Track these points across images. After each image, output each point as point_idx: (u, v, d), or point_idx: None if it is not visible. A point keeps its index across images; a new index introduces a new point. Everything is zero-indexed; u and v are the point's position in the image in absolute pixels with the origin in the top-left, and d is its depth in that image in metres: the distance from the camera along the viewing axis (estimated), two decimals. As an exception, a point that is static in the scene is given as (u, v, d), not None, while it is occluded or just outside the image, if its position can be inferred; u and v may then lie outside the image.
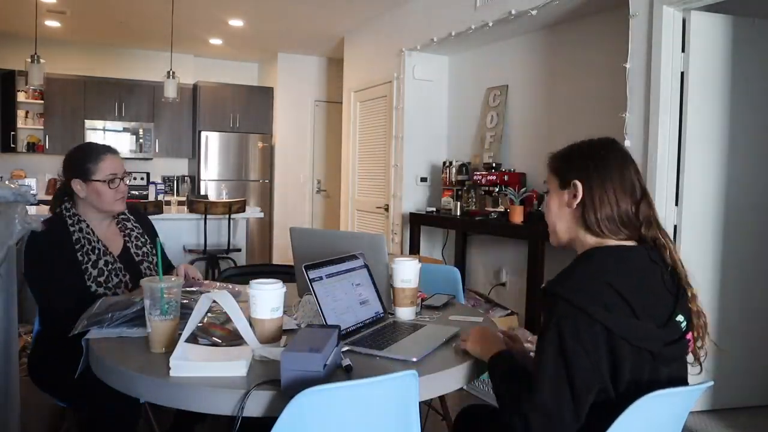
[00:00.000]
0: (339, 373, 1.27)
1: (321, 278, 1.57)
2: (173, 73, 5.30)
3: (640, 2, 2.96)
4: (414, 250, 4.93)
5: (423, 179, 5.25)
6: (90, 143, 2.08)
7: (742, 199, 2.95)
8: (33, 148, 6.73)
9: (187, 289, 1.73)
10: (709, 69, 2.86)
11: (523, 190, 4.00)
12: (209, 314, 1.55)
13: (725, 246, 2.94)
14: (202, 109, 7.22)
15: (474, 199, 4.42)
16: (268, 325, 1.40)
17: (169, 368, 1.24)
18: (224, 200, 5.28)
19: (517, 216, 3.81)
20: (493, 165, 4.32)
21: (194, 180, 7.33)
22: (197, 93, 7.22)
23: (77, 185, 1.95)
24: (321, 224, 7.70)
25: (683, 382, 1.25)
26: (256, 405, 1.15)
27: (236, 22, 6.03)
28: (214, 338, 1.45)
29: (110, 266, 1.95)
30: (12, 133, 6.59)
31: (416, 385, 1.17)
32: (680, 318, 1.21)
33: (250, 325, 1.39)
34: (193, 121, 7.31)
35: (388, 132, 5.39)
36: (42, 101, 6.65)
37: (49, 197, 6.18)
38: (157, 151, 7.17)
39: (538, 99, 4.27)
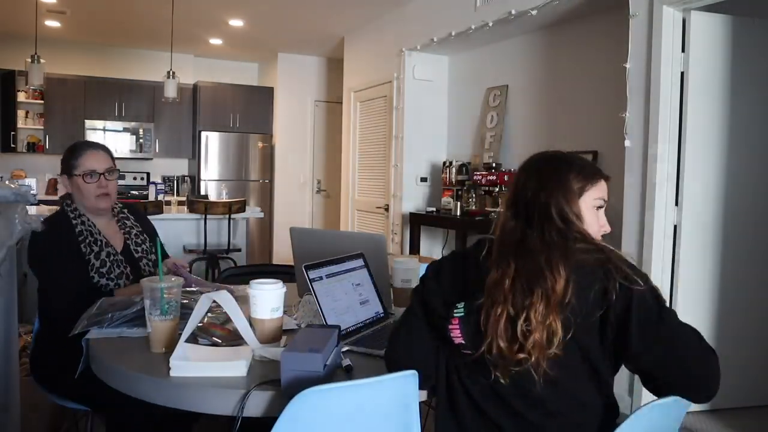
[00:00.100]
0: (339, 373, 1.27)
1: (321, 278, 1.57)
2: (173, 73, 5.30)
3: (640, 2, 2.96)
4: (414, 250, 4.93)
5: (423, 179, 5.25)
6: (82, 141, 2.11)
7: (742, 199, 2.95)
8: (33, 148, 6.73)
9: (187, 289, 1.73)
10: (709, 69, 2.86)
11: (523, 190, 4.00)
12: (209, 314, 1.55)
13: (725, 246, 2.94)
14: (202, 109, 7.22)
15: (474, 199, 4.42)
16: (268, 325, 1.40)
17: (169, 368, 1.24)
18: (224, 200, 5.28)
19: (517, 216, 3.80)
20: (493, 165, 4.32)
21: (194, 180, 7.33)
22: (197, 93, 7.22)
23: (64, 182, 2.01)
24: (321, 224, 7.70)
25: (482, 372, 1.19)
26: (256, 405, 1.15)
27: (236, 22, 6.03)
28: (214, 338, 1.45)
29: (112, 257, 1.96)
30: (12, 133, 6.59)
31: (416, 385, 1.17)
32: (459, 305, 1.20)
33: (250, 325, 1.39)
34: (193, 121, 7.31)
35: (388, 132, 5.39)
36: (42, 101, 6.65)
37: (49, 197, 6.21)
38: (157, 151, 7.16)
39: (538, 99, 4.26)
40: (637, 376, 1.22)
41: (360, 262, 1.75)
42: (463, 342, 1.18)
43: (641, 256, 2.91)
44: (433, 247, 5.22)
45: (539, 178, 1.23)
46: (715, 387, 1.13)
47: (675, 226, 2.88)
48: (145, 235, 2.15)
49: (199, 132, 7.17)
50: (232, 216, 4.90)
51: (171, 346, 1.36)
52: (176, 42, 5.83)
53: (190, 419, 1.84)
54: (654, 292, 1.13)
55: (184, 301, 1.54)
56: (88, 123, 6.76)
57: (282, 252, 7.31)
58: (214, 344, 1.43)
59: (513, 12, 3.84)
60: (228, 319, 1.46)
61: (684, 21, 2.83)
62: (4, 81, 6.61)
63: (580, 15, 3.83)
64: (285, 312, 1.46)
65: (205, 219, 4.75)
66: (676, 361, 1.11)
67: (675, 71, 2.85)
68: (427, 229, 5.08)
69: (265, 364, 1.31)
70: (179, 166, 7.60)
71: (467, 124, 4.96)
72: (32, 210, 4.34)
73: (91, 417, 1.83)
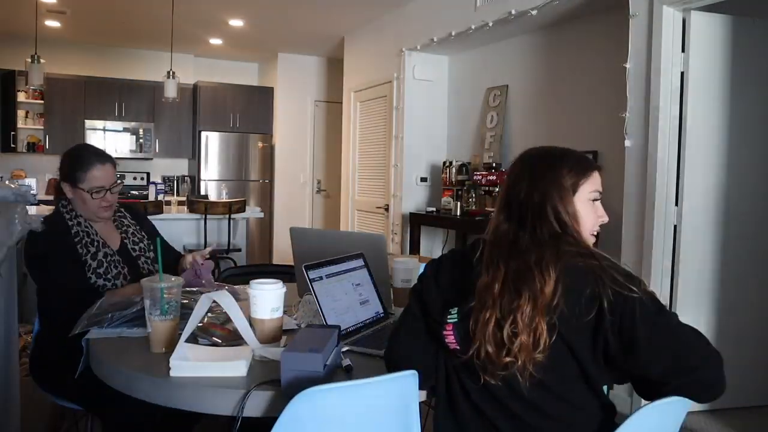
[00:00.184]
0: (339, 373, 1.27)
1: (321, 278, 1.57)
2: (173, 73, 5.30)
3: (640, 2, 2.96)
4: (414, 250, 4.93)
5: (423, 179, 5.25)
6: (86, 148, 2.06)
7: (742, 199, 2.95)
8: (33, 148, 6.73)
9: (187, 289, 1.73)
10: (709, 69, 2.86)
11: (523, 190, 4.00)
12: (209, 314, 1.55)
13: (725, 246, 2.94)
14: (202, 109, 7.22)
15: (474, 199, 4.42)
16: (268, 325, 1.40)
17: (169, 368, 1.24)
18: (224, 200, 5.28)
19: (517, 216, 3.80)
20: (493, 165, 4.32)
21: (194, 180, 7.33)
22: (197, 93, 7.22)
23: (66, 188, 1.99)
24: (321, 224, 7.70)
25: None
26: (256, 405, 1.15)
27: (236, 22, 6.03)
28: (214, 338, 1.45)
29: (109, 258, 1.96)
30: (12, 133, 6.59)
31: (416, 385, 1.17)
32: (453, 310, 1.18)
33: (250, 325, 1.39)
34: (193, 121, 7.31)
35: (388, 132, 5.39)
36: (42, 101, 6.65)
37: (49, 197, 6.20)
38: (157, 151, 7.16)
39: (538, 99, 4.26)
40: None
41: (360, 262, 1.75)
42: (458, 348, 1.17)
43: (641, 256, 2.91)
44: (433, 247, 5.22)
45: (531, 177, 1.21)
46: (722, 388, 1.12)
47: (675, 226, 2.88)
48: (143, 233, 2.15)
49: (199, 132, 7.17)
50: (232, 216, 4.91)
51: (171, 346, 1.36)
52: (176, 42, 5.83)
53: (191, 420, 1.84)
54: (652, 296, 1.11)
55: (184, 301, 1.54)
56: (88, 123, 6.76)
57: (282, 252, 7.31)
58: (214, 344, 1.43)
59: (513, 12, 3.84)
60: (228, 319, 1.46)
61: (684, 21, 2.83)
62: (4, 81, 6.61)
63: (580, 15, 3.83)
64: (285, 312, 1.46)
65: (205, 219, 4.75)
66: (685, 365, 1.10)
67: (675, 71, 2.85)
68: (427, 229, 5.08)
69: (265, 364, 1.31)
70: (179, 166, 7.60)
71: (467, 124, 4.97)
72: (32, 210, 4.35)
73: (91, 417, 1.83)
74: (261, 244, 7.43)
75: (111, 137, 6.85)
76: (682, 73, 2.84)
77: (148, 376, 1.26)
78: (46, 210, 4.29)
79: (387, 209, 5.42)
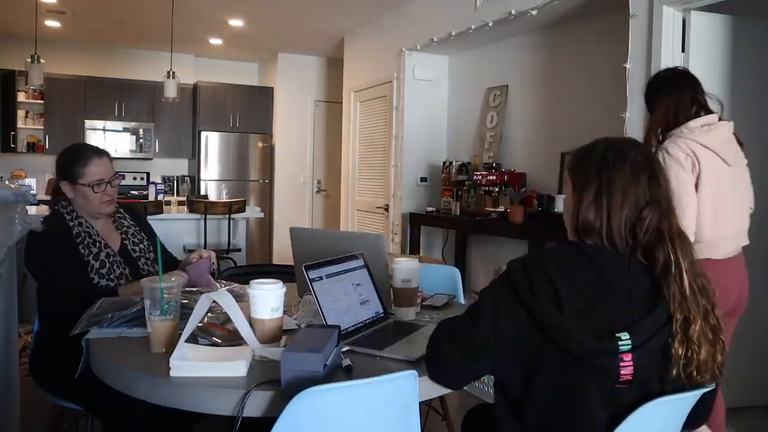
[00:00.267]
0: (339, 373, 1.27)
1: (321, 278, 1.57)
2: (173, 73, 5.30)
3: (640, 2, 2.96)
4: (414, 250, 4.93)
5: (423, 179, 5.25)
6: (81, 145, 2.09)
7: (742, 199, 2.95)
8: (33, 148, 6.73)
9: (187, 289, 1.73)
10: (709, 69, 2.85)
11: (523, 190, 4.00)
12: (209, 314, 1.55)
13: (725, 246, 2.93)
14: (202, 109, 7.22)
15: (474, 199, 4.42)
16: (268, 325, 1.40)
17: (169, 368, 1.24)
18: (224, 200, 5.28)
19: (517, 216, 3.81)
20: (493, 165, 4.32)
21: (194, 180, 7.33)
22: (197, 93, 7.22)
23: (65, 187, 1.99)
24: (321, 224, 7.70)
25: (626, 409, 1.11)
26: (256, 405, 1.15)
27: (236, 22, 6.03)
28: (214, 338, 1.45)
29: (111, 258, 1.96)
30: (12, 133, 6.59)
31: (416, 385, 1.17)
32: (624, 336, 1.09)
33: (250, 325, 1.39)
34: (193, 121, 7.31)
35: (388, 132, 5.39)
36: (42, 101, 6.65)
37: (49, 197, 6.21)
38: (157, 151, 7.17)
39: (538, 99, 4.26)
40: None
41: (360, 262, 1.75)
42: (631, 379, 1.08)
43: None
44: (433, 248, 5.22)
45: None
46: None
47: (675, 226, 2.88)
48: (143, 234, 2.15)
49: (199, 132, 7.17)
50: (232, 216, 4.91)
51: (171, 346, 1.36)
52: (176, 42, 5.83)
53: (191, 420, 1.84)
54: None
55: (184, 301, 1.54)
56: (88, 123, 6.76)
57: (282, 252, 7.31)
58: (214, 344, 1.43)
59: (513, 12, 3.85)
60: (228, 319, 1.46)
61: (684, 21, 2.83)
62: (4, 81, 6.62)
63: (580, 15, 3.83)
64: (285, 312, 1.46)
65: (205, 219, 4.75)
66: None
67: (675, 71, 2.85)
68: (427, 229, 5.08)
69: (265, 364, 1.31)
70: (179, 166, 7.60)
71: (467, 124, 4.97)
72: (32, 210, 4.35)
73: (91, 417, 1.83)
74: (261, 244, 7.43)
75: (111, 137, 6.85)
76: (682, 73, 2.84)
77: (148, 376, 1.26)
78: (46, 210, 4.28)
79: (387, 209, 5.42)
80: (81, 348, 1.50)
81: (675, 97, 2.24)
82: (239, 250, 5.06)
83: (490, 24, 4.08)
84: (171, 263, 2.11)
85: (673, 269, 1.15)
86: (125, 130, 6.96)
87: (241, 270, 2.92)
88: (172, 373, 1.24)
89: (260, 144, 7.42)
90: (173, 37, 5.62)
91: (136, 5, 5.49)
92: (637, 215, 1.18)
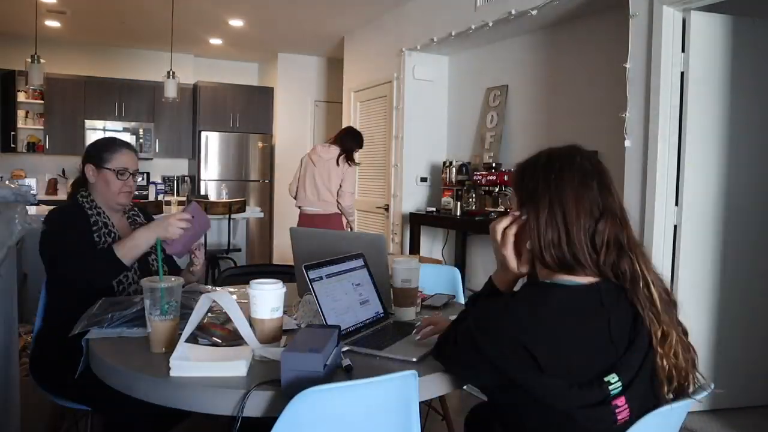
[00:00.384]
0: (339, 373, 1.27)
1: (321, 278, 1.57)
2: (173, 73, 5.30)
3: (640, 2, 2.96)
4: (414, 250, 4.93)
5: (423, 179, 5.25)
6: (115, 138, 2.14)
7: (742, 198, 2.95)
8: (33, 148, 6.73)
9: (187, 289, 1.73)
10: (709, 69, 2.86)
11: (523, 190, 4.00)
12: (209, 314, 1.55)
13: (725, 246, 2.94)
14: (202, 109, 7.22)
15: (474, 199, 4.42)
16: (268, 325, 1.40)
17: (169, 368, 1.24)
18: (224, 200, 5.28)
19: (517, 216, 3.80)
20: (493, 165, 4.32)
21: (194, 180, 7.33)
22: (197, 93, 7.22)
23: (89, 170, 2.01)
24: (321, 224, 7.69)
25: None
26: (256, 405, 1.15)
27: (236, 22, 6.03)
28: (214, 338, 1.45)
29: None
30: (12, 133, 6.59)
31: (416, 385, 1.17)
32: (612, 379, 1.05)
33: (250, 325, 1.39)
34: (193, 121, 7.31)
35: (388, 132, 5.39)
36: (42, 101, 6.65)
37: (49, 197, 6.21)
38: (157, 151, 7.16)
39: (538, 99, 4.27)
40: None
41: (360, 262, 1.75)
42: (628, 418, 1.05)
43: (641, 256, 2.91)
44: (433, 247, 5.22)
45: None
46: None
47: (675, 226, 2.88)
48: None
49: (199, 132, 7.17)
50: (232, 216, 4.91)
51: (171, 346, 1.36)
52: (176, 42, 5.83)
53: (184, 416, 1.83)
54: None
55: (184, 302, 1.54)
56: (88, 123, 6.76)
57: (282, 252, 7.31)
58: (214, 344, 1.43)
59: (513, 12, 3.84)
60: (228, 319, 1.46)
61: (684, 21, 2.83)
62: (4, 81, 6.61)
63: (580, 15, 3.83)
64: (285, 312, 1.46)
65: (205, 219, 4.74)
66: None
67: (675, 71, 2.85)
68: (427, 229, 5.08)
69: (265, 364, 1.31)
70: (179, 166, 7.60)
71: (467, 124, 4.96)
72: (32, 210, 4.35)
73: (91, 417, 1.83)
74: (261, 244, 7.43)
75: (111, 137, 6.84)
76: (682, 73, 2.84)
77: (148, 376, 1.26)
78: (46, 210, 4.29)
79: (387, 209, 5.42)
80: (81, 348, 1.50)
81: None
82: (239, 250, 5.06)
83: (490, 24, 4.08)
84: (175, 271, 2.11)
85: (641, 282, 1.11)
86: (125, 130, 6.95)
87: (241, 270, 2.92)
88: (172, 373, 1.24)
89: (260, 144, 7.42)
90: (173, 37, 5.62)
91: (136, 5, 5.49)
92: (594, 226, 1.12)
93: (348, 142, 4.46)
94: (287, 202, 7.55)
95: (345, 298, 1.62)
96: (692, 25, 2.80)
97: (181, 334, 1.36)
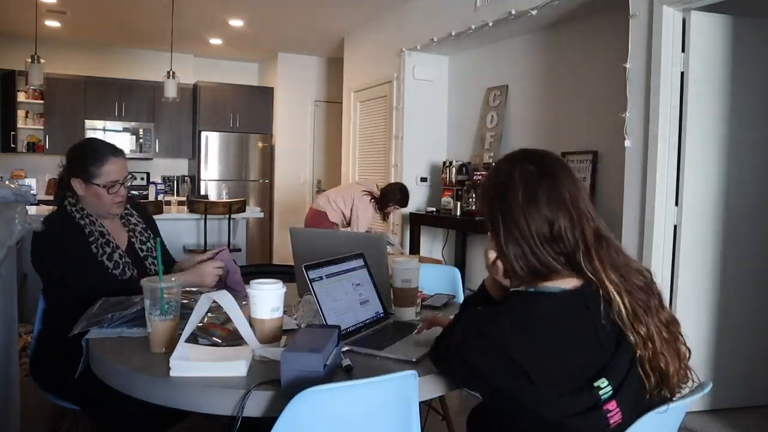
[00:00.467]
0: (339, 373, 1.27)
1: (321, 278, 1.57)
2: (173, 73, 5.30)
3: (640, 2, 2.96)
4: (414, 250, 4.93)
5: (423, 179, 5.25)
6: (96, 142, 2.01)
7: (743, 199, 2.95)
8: (33, 148, 6.74)
9: (187, 289, 1.73)
10: (709, 69, 2.86)
11: (523, 190, 4.00)
12: (209, 314, 1.55)
13: (725, 246, 2.94)
14: (202, 109, 7.22)
15: (474, 199, 4.42)
16: (268, 325, 1.40)
17: (169, 368, 1.24)
18: (224, 200, 5.28)
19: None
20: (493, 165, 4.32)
21: (194, 180, 7.33)
22: (197, 93, 7.22)
23: (77, 184, 1.92)
24: (321, 224, 7.69)
25: None
26: (256, 405, 1.15)
27: (236, 22, 6.03)
28: (214, 338, 1.45)
29: (123, 260, 1.93)
30: (12, 133, 6.59)
31: (416, 385, 1.17)
32: (602, 383, 1.04)
33: (250, 325, 1.39)
34: (193, 121, 7.31)
35: (388, 132, 5.39)
36: (42, 101, 6.65)
37: (50, 197, 6.20)
38: (157, 151, 7.17)
39: (538, 99, 4.27)
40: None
41: (360, 262, 1.75)
42: (621, 421, 1.04)
43: (641, 256, 2.91)
44: (433, 247, 5.22)
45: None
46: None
47: (675, 226, 2.88)
48: (149, 232, 2.11)
49: (199, 132, 7.17)
50: (232, 216, 4.90)
51: (171, 346, 1.36)
52: (176, 42, 5.83)
53: (183, 416, 1.83)
54: None
55: (184, 301, 1.54)
56: (88, 123, 6.76)
57: (282, 252, 7.31)
58: (214, 344, 1.43)
59: (513, 12, 3.85)
60: (228, 319, 1.46)
61: (684, 21, 2.83)
62: (4, 81, 6.61)
63: (580, 15, 3.83)
64: (285, 312, 1.46)
65: (205, 219, 4.75)
66: None
67: (675, 71, 2.85)
68: (427, 229, 5.09)
69: (265, 364, 1.31)
70: (179, 166, 7.60)
71: (467, 124, 4.97)
72: (32, 210, 4.35)
73: (89, 418, 1.83)
74: (261, 244, 7.43)
75: (111, 137, 6.83)
76: (682, 73, 2.84)
77: (147, 376, 1.26)
78: (46, 210, 4.29)
79: (387, 209, 5.42)
80: (81, 348, 1.49)
81: None
82: (239, 250, 5.05)
83: (490, 24, 4.08)
84: (168, 262, 2.07)
85: (601, 290, 1.08)
86: (125, 130, 6.96)
87: (241, 270, 2.91)
88: (172, 373, 1.24)
89: (260, 144, 7.42)
90: (173, 37, 5.62)
91: (136, 5, 5.49)
92: (550, 233, 1.11)
93: (390, 192, 4.23)
94: (287, 202, 7.59)
95: (345, 298, 1.62)
96: (692, 25, 2.80)
97: (181, 334, 1.36)
